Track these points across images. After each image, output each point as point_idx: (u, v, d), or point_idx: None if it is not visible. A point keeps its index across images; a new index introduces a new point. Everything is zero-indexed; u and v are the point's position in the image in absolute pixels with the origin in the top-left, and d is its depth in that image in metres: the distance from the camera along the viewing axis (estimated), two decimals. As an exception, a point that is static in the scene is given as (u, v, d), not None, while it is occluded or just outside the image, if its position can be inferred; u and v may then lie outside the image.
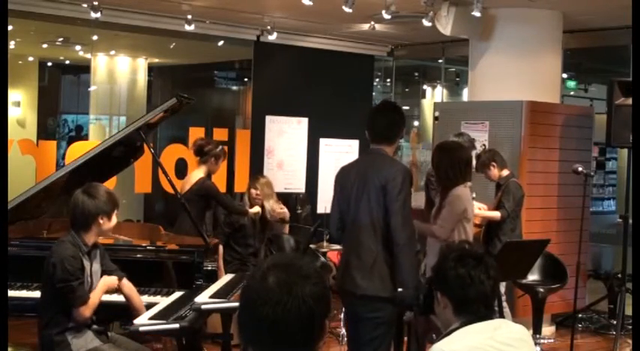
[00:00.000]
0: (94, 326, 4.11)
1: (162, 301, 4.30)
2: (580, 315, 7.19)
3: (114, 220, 4.09)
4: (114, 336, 4.23)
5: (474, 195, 5.22)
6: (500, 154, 6.33)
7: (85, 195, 4.00)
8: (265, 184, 6.48)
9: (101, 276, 4.11)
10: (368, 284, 3.94)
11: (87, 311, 3.92)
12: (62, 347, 3.90)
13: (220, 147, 6.14)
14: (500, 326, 2.57)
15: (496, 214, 6.03)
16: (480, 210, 5.96)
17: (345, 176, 4.20)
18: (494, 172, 6.21)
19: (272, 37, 8.10)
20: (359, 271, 3.97)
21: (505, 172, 6.23)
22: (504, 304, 6.10)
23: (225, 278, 4.91)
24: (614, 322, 6.79)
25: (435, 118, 7.62)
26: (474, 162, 6.32)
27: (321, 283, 1.83)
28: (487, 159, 6.25)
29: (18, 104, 10.24)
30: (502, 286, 6.14)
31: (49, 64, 10.99)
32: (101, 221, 4.01)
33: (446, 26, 6.83)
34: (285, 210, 6.77)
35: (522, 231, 6.35)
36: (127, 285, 4.19)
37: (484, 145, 7.09)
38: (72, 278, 3.87)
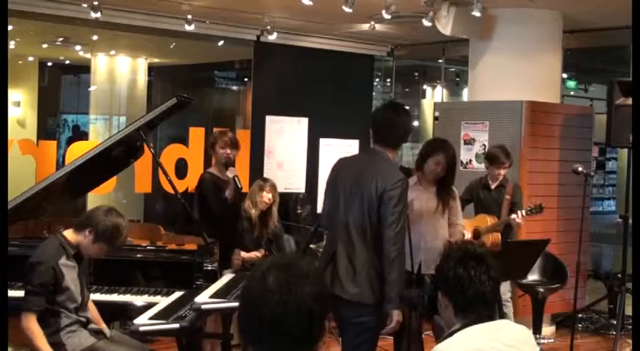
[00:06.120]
0: (91, 325, 4.11)
1: (162, 301, 4.30)
2: (580, 315, 7.19)
3: (95, 248, 4.01)
4: (114, 335, 4.23)
5: None
6: None
7: (110, 211, 4.02)
8: (274, 189, 6.27)
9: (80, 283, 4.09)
10: (355, 290, 3.90)
11: (27, 322, 3.82)
12: (57, 348, 3.89)
13: (216, 133, 5.80)
14: (503, 328, 2.57)
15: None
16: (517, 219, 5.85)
17: (341, 171, 4.16)
18: (506, 170, 6.13)
19: (272, 37, 8.10)
20: (347, 276, 3.93)
21: None
22: (509, 302, 6.07)
23: (225, 278, 4.90)
24: (614, 322, 6.79)
25: (435, 118, 7.62)
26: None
27: (320, 283, 1.84)
28: (508, 155, 6.09)
29: (18, 104, 10.24)
30: (507, 285, 6.12)
31: (49, 64, 10.98)
32: (87, 234, 3.99)
33: (446, 26, 6.82)
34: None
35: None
36: None
37: (484, 145, 7.10)
38: (33, 283, 3.87)
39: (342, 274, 3.94)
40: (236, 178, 5.49)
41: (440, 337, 4.87)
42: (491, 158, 6.12)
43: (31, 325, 3.84)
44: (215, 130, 5.98)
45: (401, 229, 3.90)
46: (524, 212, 5.83)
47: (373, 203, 3.90)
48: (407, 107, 4.41)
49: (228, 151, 5.60)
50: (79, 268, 4.06)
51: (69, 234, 4.05)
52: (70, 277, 3.99)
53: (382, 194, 3.88)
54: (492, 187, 6.17)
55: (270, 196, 6.20)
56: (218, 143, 5.61)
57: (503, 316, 5.50)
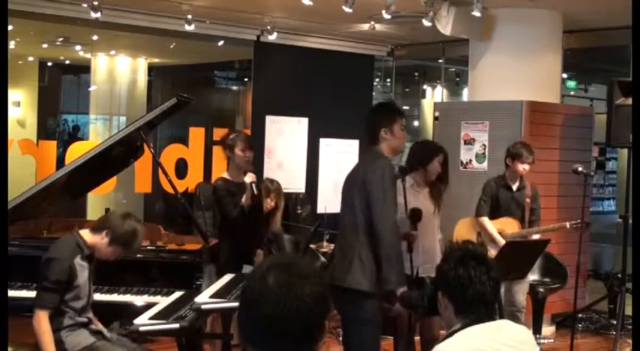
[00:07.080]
0: (92, 326, 4.11)
1: (163, 301, 4.30)
2: (580, 315, 7.18)
3: (110, 251, 4.07)
4: (113, 337, 4.23)
5: None
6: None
7: (129, 216, 4.12)
8: (278, 194, 6.05)
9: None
10: (349, 277, 3.99)
11: (39, 318, 3.82)
12: (56, 345, 3.90)
13: (233, 135, 5.32)
14: (503, 328, 2.57)
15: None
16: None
17: (346, 180, 4.32)
18: (529, 167, 6.00)
19: (272, 37, 8.10)
20: (341, 266, 4.05)
21: None
22: (524, 311, 6.01)
23: (225, 278, 4.90)
24: (614, 322, 6.79)
25: (435, 118, 7.62)
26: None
27: (320, 283, 1.83)
28: (532, 150, 5.96)
29: (18, 104, 10.24)
30: (525, 292, 6.07)
31: (49, 64, 10.98)
32: (103, 235, 4.03)
33: (446, 26, 6.83)
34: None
35: None
36: None
37: (484, 145, 7.10)
38: (50, 280, 3.88)
39: (336, 263, 4.11)
40: (253, 184, 5.14)
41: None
42: (515, 154, 5.94)
43: (43, 321, 3.84)
44: (227, 132, 5.50)
45: (388, 210, 3.96)
46: (568, 225, 5.86)
47: (361, 192, 4.02)
48: (382, 103, 4.73)
49: (248, 154, 5.22)
50: (89, 268, 4.09)
51: (85, 234, 4.10)
52: (82, 276, 4.03)
53: (365, 180, 4.01)
54: (514, 188, 6.06)
55: (272, 203, 6.11)
56: (238, 146, 5.18)
57: (503, 316, 5.47)
